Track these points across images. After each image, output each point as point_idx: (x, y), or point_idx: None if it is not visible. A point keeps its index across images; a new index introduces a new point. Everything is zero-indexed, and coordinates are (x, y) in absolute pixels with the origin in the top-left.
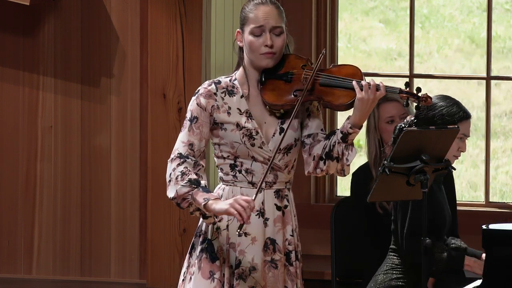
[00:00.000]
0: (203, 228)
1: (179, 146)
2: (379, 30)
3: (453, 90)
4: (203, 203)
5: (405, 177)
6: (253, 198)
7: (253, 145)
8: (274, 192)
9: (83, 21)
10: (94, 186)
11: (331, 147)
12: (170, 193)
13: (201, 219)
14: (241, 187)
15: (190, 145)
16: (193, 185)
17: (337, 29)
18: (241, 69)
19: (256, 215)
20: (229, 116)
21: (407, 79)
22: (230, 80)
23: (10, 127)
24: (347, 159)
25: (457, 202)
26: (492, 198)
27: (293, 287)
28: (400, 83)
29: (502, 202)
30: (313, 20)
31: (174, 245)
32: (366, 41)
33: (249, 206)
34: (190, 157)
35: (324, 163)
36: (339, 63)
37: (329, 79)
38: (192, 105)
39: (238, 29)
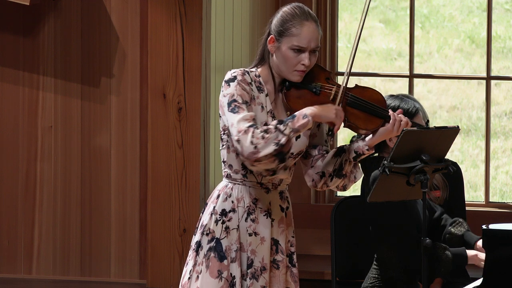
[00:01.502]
0: (211, 226)
1: (244, 123)
2: (379, 30)
3: (453, 90)
4: (309, 119)
5: (405, 177)
6: (340, 107)
7: None
8: (279, 193)
9: (83, 21)
10: (94, 186)
11: (342, 165)
12: (268, 149)
13: (203, 218)
14: (249, 187)
15: (254, 119)
16: (283, 123)
17: (337, 29)
18: (266, 67)
19: (264, 215)
20: (261, 112)
21: (407, 79)
22: (255, 75)
23: (10, 127)
24: (355, 177)
25: None
26: (492, 198)
27: None
28: (400, 83)
29: (502, 202)
30: None
31: (174, 245)
32: (366, 41)
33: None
34: (257, 126)
35: (331, 180)
36: (338, 63)
37: (360, 102)
38: (237, 90)
39: (272, 36)
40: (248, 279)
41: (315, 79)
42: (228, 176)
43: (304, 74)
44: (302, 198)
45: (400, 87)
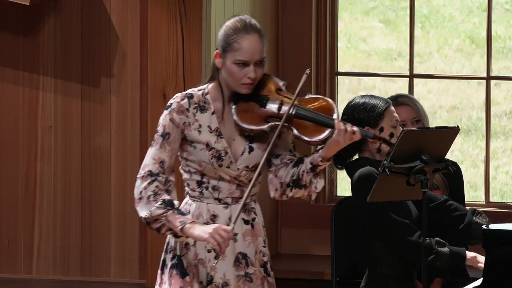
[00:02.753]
0: (172, 244)
1: (150, 163)
2: (379, 30)
3: (453, 90)
4: (179, 227)
5: (405, 177)
6: (231, 227)
7: (221, 165)
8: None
9: (83, 21)
10: (94, 186)
11: (300, 176)
12: (142, 212)
13: (168, 236)
14: (207, 203)
15: (161, 162)
16: (167, 207)
17: (337, 29)
18: (216, 83)
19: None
20: (199, 135)
21: (407, 79)
22: (202, 94)
23: (10, 127)
24: (315, 187)
25: None
26: (492, 198)
27: None
28: (400, 83)
29: (502, 202)
30: (313, 20)
31: None
32: (366, 41)
33: (228, 236)
34: (160, 174)
35: (291, 190)
36: (339, 63)
37: (306, 113)
38: (164, 120)
39: (218, 51)
40: None
41: (265, 90)
42: (187, 193)
43: (253, 86)
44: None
45: (400, 87)
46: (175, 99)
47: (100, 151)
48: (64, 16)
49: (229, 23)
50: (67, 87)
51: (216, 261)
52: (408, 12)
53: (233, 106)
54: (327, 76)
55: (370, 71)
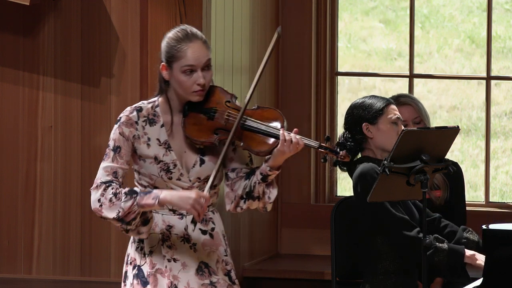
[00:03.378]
0: (132, 254)
1: (102, 175)
2: (379, 30)
3: (453, 90)
4: (155, 202)
5: (405, 177)
6: (207, 193)
7: (170, 178)
8: None
9: (83, 21)
10: None
11: (252, 188)
12: (110, 214)
13: (128, 248)
14: (162, 214)
15: (114, 173)
16: (133, 195)
17: (337, 29)
18: (164, 97)
19: (181, 241)
20: (148, 148)
21: (407, 79)
22: (152, 107)
23: (10, 127)
24: (269, 197)
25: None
26: (492, 198)
27: None
28: (400, 83)
29: (502, 202)
30: (313, 20)
31: None
32: (366, 41)
33: (206, 202)
34: (114, 181)
35: (245, 202)
36: (339, 63)
37: (253, 124)
38: (114, 134)
39: (164, 64)
40: None
41: (214, 102)
42: None
43: (203, 93)
44: (302, 198)
45: (400, 87)
46: (125, 113)
47: (100, 151)
48: (64, 16)
49: (170, 34)
50: (67, 87)
51: (194, 226)
52: (408, 12)
53: (182, 119)
54: (327, 76)
55: (370, 71)
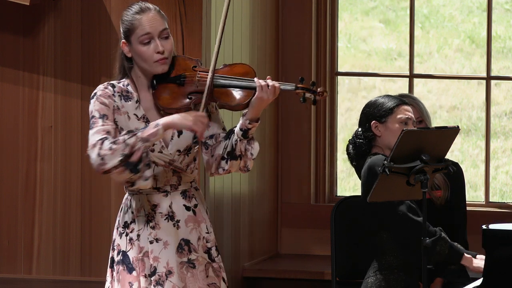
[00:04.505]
0: (117, 240)
1: (95, 137)
2: (379, 30)
3: (453, 90)
4: (160, 129)
5: (405, 177)
6: (203, 113)
7: (152, 150)
8: (181, 194)
9: (83, 21)
10: (94, 186)
11: (233, 146)
12: (114, 160)
13: (113, 233)
14: (147, 194)
15: (108, 132)
16: (133, 133)
17: (337, 29)
18: (130, 78)
19: (165, 219)
20: (129, 120)
21: (407, 79)
22: (123, 85)
23: (10, 127)
24: (251, 154)
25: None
26: (492, 198)
27: (220, 282)
28: (400, 83)
29: (502, 202)
30: (313, 20)
31: None
32: (366, 41)
33: (207, 123)
34: (108, 137)
35: (227, 162)
36: (339, 63)
37: (225, 80)
38: (95, 105)
39: (123, 40)
40: (152, 286)
41: (181, 70)
42: (126, 188)
43: (167, 61)
44: (302, 198)
45: (400, 87)
46: (98, 88)
47: None
48: (64, 16)
49: (126, 11)
50: (67, 87)
51: (197, 146)
52: (408, 12)
53: (153, 92)
54: (327, 76)
55: (370, 71)
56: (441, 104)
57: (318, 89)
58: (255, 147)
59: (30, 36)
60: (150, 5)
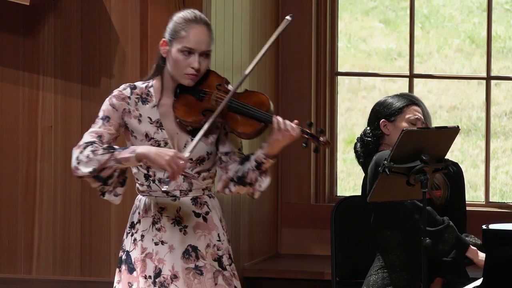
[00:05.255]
0: (124, 240)
1: (86, 138)
2: (379, 30)
3: (453, 90)
4: (132, 156)
5: (405, 177)
6: (187, 156)
7: None
8: (191, 200)
9: (83, 21)
10: None
11: (245, 173)
12: (86, 169)
13: (124, 234)
14: (156, 197)
15: (99, 136)
16: (110, 150)
17: (337, 29)
18: (159, 78)
19: (171, 224)
20: (139, 124)
21: (407, 79)
22: (146, 87)
23: (10, 127)
24: (260, 185)
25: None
26: (492, 198)
27: None
28: (400, 83)
29: (502, 202)
30: (313, 20)
31: None
32: (366, 41)
33: (183, 165)
34: (96, 142)
35: (234, 186)
36: (339, 63)
37: (240, 106)
38: (104, 105)
39: (165, 39)
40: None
41: (205, 85)
42: (137, 189)
43: (196, 78)
44: (302, 198)
45: (400, 87)
46: (118, 88)
47: None
48: (64, 16)
49: (179, 14)
50: (67, 87)
51: (166, 186)
52: (408, 12)
53: (174, 100)
54: (327, 76)
55: (370, 71)
56: (441, 104)
57: (322, 139)
58: (265, 181)
59: (30, 36)
60: (204, 18)
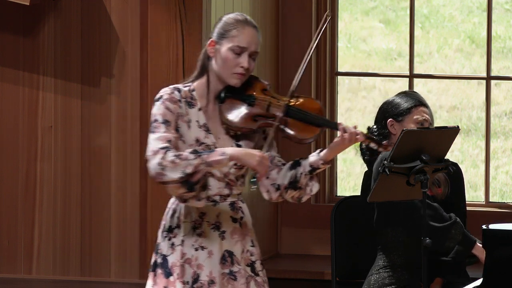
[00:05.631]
0: (160, 244)
1: (156, 144)
2: (379, 30)
3: (453, 90)
4: (224, 158)
5: (405, 177)
6: (266, 155)
7: None
8: (229, 205)
9: (83, 21)
10: (94, 186)
11: (298, 178)
12: (174, 174)
13: (159, 236)
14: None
15: (169, 141)
16: (198, 154)
17: (337, 29)
18: (203, 79)
19: (212, 229)
20: (189, 129)
21: (407, 79)
22: (188, 90)
23: (10, 127)
24: (311, 190)
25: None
26: (492, 198)
27: None
28: (400, 83)
29: (502, 202)
30: (313, 20)
31: None
32: (366, 41)
33: (268, 166)
34: (170, 148)
35: (287, 192)
36: (339, 63)
37: (298, 112)
38: (159, 110)
39: (213, 39)
40: None
41: (251, 90)
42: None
43: (243, 78)
44: None
45: (400, 87)
46: (165, 91)
47: (100, 151)
48: (64, 16)
49: (229, 15)
50: (67, 87)
51: (255, 186)
52: (408, 12)
53: (220, 104)
54: (327, 76)
55: (370, 71)
56: (441, 104)
57: (384, 142)
58: (316, 185)
59: (30, 36)
60: (254, 22)
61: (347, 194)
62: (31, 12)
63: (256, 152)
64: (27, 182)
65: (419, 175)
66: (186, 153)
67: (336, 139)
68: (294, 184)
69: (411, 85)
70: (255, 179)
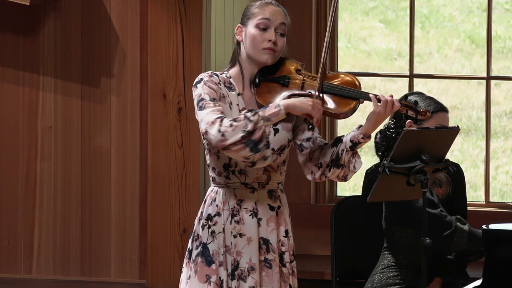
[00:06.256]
0: (199, 232)
1: (211, 116)
2: (379, 30)
3: (453, 90)
4: (281, 109)
5: (405, 177)
6: (319, 101)
7: None
8: (267, 192)
9: (83, 21)
10: (94, 186)
11: (339, 155)
12: (236, 135)
13: (195, 224)
14: (234, 188)
15: (222, 112)
16: (254, 111)
17: (337, 29)
18: (236, 67)
19: (249, 215)
20: (230, 110)
21: (407, 79)
22: (226, 76)
23: (10, 127)
24: (354, 167)
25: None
26: (492, 198)
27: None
28: (400, 83)
29: (502, 202)
30: (313, 20)
31: (174, 245)
32: (366, 41)
33: (322, 110)
34: (225, 116)
35: (329, 170)
36: (339, 63)
37: (331, 87)
38: (204, 89)
39: (239, 24)
40: (235, 280)
41: (284, 71)
42: (213, 180)
43: (273, 54)
44: (302, 198)
45: (400, 87)
46: (204, 75)
47: (100, 151)
48: (64, 16)
49: (250, 4)
50: (67, 87)
51: (312, 132)
52: (408, 12)
53: (255, 89)
54: None
55: (370, 71)
56: None
57: (421, 109)
58: (359, 161)
59: (30, 36)
60: (279, 4)
61: (347, 194)
62: (31, 12)
63: (308, 99)
64: (27, 182)
65: (419, 175)
66: (241, 115)
67: (372, 110)
68: (336, 161)
69: (411, 85)
70: (311, 126)
